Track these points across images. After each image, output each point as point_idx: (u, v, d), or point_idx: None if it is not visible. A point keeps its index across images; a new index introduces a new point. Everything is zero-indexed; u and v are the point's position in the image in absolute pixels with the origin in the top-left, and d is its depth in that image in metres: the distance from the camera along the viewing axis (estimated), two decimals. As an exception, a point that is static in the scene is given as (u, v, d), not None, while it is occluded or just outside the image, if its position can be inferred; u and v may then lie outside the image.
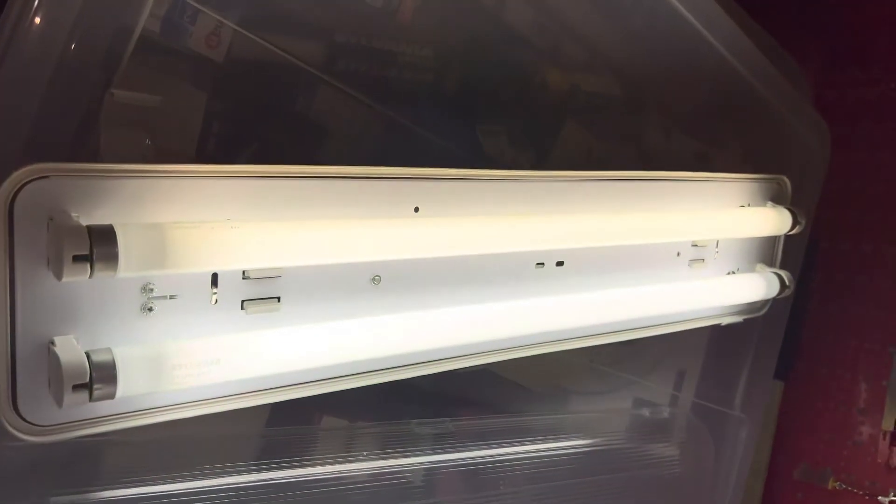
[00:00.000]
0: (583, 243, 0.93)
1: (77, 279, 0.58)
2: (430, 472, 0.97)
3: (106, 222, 0.60)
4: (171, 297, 0.67)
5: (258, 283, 0.72)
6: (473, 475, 1.00)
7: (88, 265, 0.58)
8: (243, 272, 0.71)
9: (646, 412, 1.21)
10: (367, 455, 0.89)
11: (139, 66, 0.70)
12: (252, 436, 0.85)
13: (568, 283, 0.96)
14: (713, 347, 1.28)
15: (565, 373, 1.10)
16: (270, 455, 0.86)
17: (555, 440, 1.09)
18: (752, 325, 1.24)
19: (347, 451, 0.91)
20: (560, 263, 0.95)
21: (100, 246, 0.58)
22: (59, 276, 0.58)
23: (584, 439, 1.12)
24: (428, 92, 0.90)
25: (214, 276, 0.69)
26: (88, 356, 0.61)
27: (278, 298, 0.74)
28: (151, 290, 0.66)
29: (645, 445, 1.20)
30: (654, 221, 1.01)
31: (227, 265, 0.66)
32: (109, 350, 0.62)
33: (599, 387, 1.17)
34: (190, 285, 0.68)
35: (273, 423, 0.86)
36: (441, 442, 0.98)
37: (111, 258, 0.59)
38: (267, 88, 0.79)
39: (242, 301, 0.72)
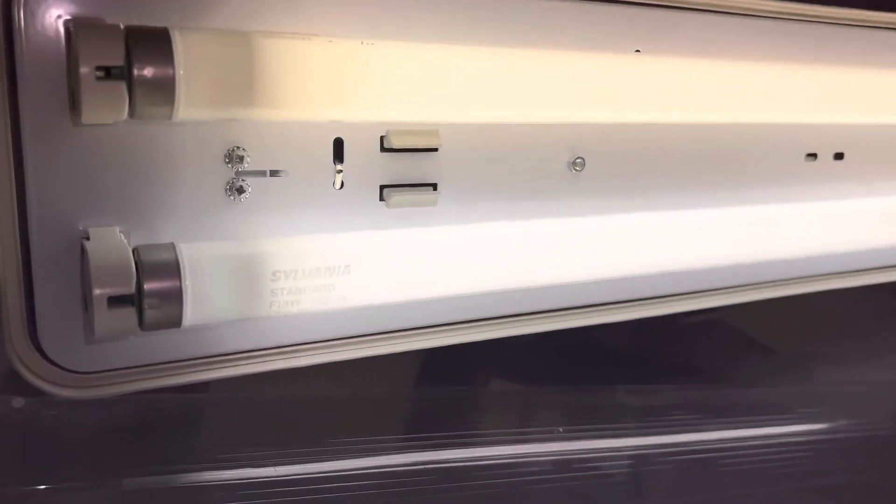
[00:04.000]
0: (876, 119, 0.62)
1: (107, 118, 0.34)
2: (640, 460, 0.69)
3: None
4: (273, 173, 0.42)
5: (405, 158, 0.46)
6: (696, 465, 0.71)
7: (126, 89, 0.34)
8: (382, 140, 0.45)
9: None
10: (562, 432, 0.62)
11: None
12: (397, 398, 0.60)
13: (849, 185, 0.65)
14: None
15: (819, 326, 0.79)
16: (421, 428, 0.60)
17: (805, 421, 0.78)
18: None
19: (525, 424, 0.64)
20: (839, 156, 0.64)
21: (144, 58, 0.34)
22: (79, 114, 0.34)
23: (844, 419, 0.80)
24: None
25: (338, 144, 0.44)
26: (137, 254, 0.37)
27: (434, 186, 0.47)
28: (241, 158, 0.41)
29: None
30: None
31: (355, 110, 0.40)
32: (172, 246, 0.38)
33: (865, 348, 0.85)
34: (301, 156, 0.43)
35: (424, 381, 0.61)
36: (656, 418, 0.69)
37: (163, 82, 0.34)
38: None
39: (381, 187, 0.46)
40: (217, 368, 0.42)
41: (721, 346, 0.74)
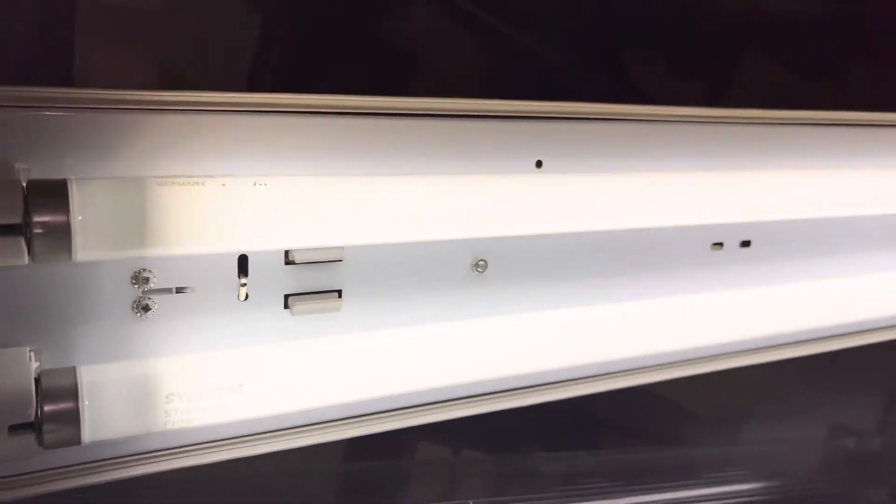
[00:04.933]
0: (779, 214, 0.65)
1: (8, 263, 0.38)
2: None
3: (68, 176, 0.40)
4: (179, 290, 0.46)
5: (309, 270, 0.49)
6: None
7: (23, 241, 0.37)
8: (286, 254, 0.48)
9: (848, 443, 0.91)
10: (472, 504, 0.66)
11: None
12: (315, 475, 0.63)
13: (756, 271, 0.68)
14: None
15: (739, 389, 0.82)
16: (341, 502, 0.63)
17: (724, 482, 0.82)
18: None
19: (449, 497, 0.68)
20: (745, 244, 0.67)
21: (40, 211, 0.37)
22: (-19, 258, 0.37)
23: (764, 481, 0.84)
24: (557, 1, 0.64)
25: (242, 261, 0.47)
26: (38, 381, 0.40)
27: (339, 292, 0.51)
28: (147, 279, 0.44)
29: (847, 489, 0.90)
30: (877, 184, 0.71)
31: (248, 243, 0.44)
32: (72, 371, 0.41)
33: (784, 408, 0.88)
34: (206, 273, 0.46)
35: (350, 456, 0.64)
36: (576, 485, 0.73)
37: (58, 232, 0.38)
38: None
39: (286, 296, 0.49)
40: (122, 469, 0.46)
41: (641, 412, 0.77)
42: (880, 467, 0.94)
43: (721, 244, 0.66)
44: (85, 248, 0.38)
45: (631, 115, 0.58)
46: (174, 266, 0.45)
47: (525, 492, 0.69)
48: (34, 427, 0.39)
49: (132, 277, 0.44)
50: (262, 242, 0.44)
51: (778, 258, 0.69)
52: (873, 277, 0.73)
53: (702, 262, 0.65)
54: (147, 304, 0.45)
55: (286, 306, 0.49)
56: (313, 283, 0.50)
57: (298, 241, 0.46)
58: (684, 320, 0.64)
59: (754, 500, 0.82)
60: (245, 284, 0.48)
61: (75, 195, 0.38)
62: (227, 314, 0.47)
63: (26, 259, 0.38)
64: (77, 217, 0.38)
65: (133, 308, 0.45)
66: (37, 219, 0.37)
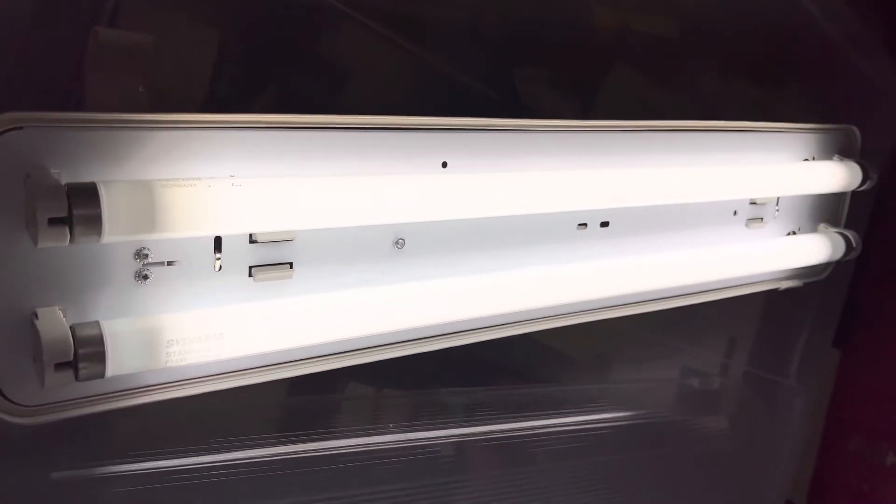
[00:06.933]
0: (630, 202, 0.84)
1: (56, 245, 0.51)
2: (461, 446, 0.91)
3: (91, 179, 0.53)
4: (169, 263, 0.60)
5: (267, 247, 0.65)
6: (506, 449, 0.94)
7: (67, 229, 0.51)
8: (250, 235, 0.63)
9: (694, 382, 1.13)
10: (393, 427, 0.83)
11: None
12: (270, 405, 0.79)
13: (613, 245, 0.87)
14: (767, 313, 1.18)
15: (608, 339, 1.02)
16: (289, 427, 0.79)
17: (595, 412, 1.02)
18: (812, 289, 1.14)
19: (373, 422, 0.84)
20: (605, 224, 0.86)
21: (80, 207, 0.51)
22: (35, 241, 0.51)
23: (626, 411, 1.05)
24: (461, 30, 0.80)
25: (218, 240, 0.62)
26: (73, 331, 0.54)
27: (290, 264, 0.66)
28: (146, 255, 0.59)
29: (692, 418, 1.12)
30: (709, 178, 0.91)
31: (228, 229, 0.59)
32: (97, 324, 0.55)
33: (644, 354, 1.09)
34: (190, 250, 0.61)
35: (293, 392, 0.80)
36: (473, 413, 0.91)
37: (93, 221, 0.51)
38: (283, 26, 0.70)
39: (250, 267, 0.64)
40: (133, 397, 0.60)
41: (526, 355, 0.96)
42: (718, 401, 1.16)
43: (585, 224, 0.84)
44: (110, 234, 0.52)
45: (515, 126, 0.75)
46: (166, 245, 0.60)
47: (433, 418, 0.87)
48: (72, 365, 0.53)
49: (135, 254, 0.58)
50: (236, 227, 0.59)
51: (630, 235, 0.88)
52: (703, 251, 0.93)
53: (570, 239, 0.83)
54: (146, 274, 0.59)
55: (250, 275, 0.64)
56: (271, 256, 0.65)
57: (261, 225, 0.61)
58: (557, 284, 0.82)
59: (617, 426, 1.03)
60: (220, 258, 0.62)
61: (104, 194, 0.52)
62: (207, 281, 0.62)
63: (67, 242, 0.52)
64: (105, 210, 0.52)
65: (135, 277, 0.59)
66: (77, 212, 0.51)
